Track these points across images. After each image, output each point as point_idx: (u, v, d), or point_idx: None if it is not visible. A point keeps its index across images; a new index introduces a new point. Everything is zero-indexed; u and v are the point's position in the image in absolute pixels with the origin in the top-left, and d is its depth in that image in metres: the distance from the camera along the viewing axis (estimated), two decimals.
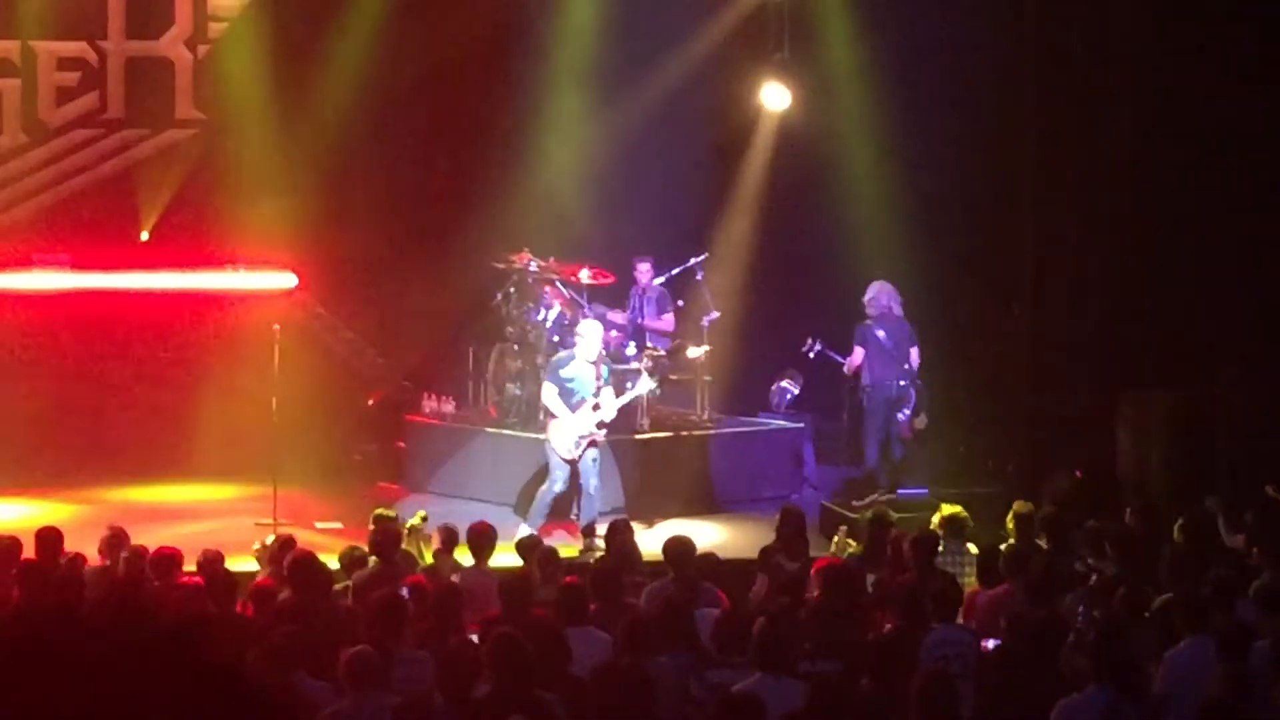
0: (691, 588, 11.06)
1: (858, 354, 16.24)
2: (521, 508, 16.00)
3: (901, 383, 16.21)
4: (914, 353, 16.35)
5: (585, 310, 17.34)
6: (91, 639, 7.92)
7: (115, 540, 11.97)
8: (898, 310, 16.30)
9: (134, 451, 17.98)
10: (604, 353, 15.90)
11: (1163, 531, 12.23)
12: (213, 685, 5.12)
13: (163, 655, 5.19)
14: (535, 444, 16.24)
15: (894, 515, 12.84)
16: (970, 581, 12.06)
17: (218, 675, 5.14)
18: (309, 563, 10.86)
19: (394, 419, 18.58)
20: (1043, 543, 12.24)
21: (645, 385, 16.16)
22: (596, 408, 15.17)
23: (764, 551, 12.41)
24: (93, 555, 12.04)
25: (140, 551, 11.66)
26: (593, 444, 15.20)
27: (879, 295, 16.29)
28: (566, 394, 15.25)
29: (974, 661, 9.82)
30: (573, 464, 15.20)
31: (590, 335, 15.44)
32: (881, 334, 16.17)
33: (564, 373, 15.30)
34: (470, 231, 18.36)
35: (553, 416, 15.31)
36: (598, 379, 15.29)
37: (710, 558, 11.94)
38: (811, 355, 16.80)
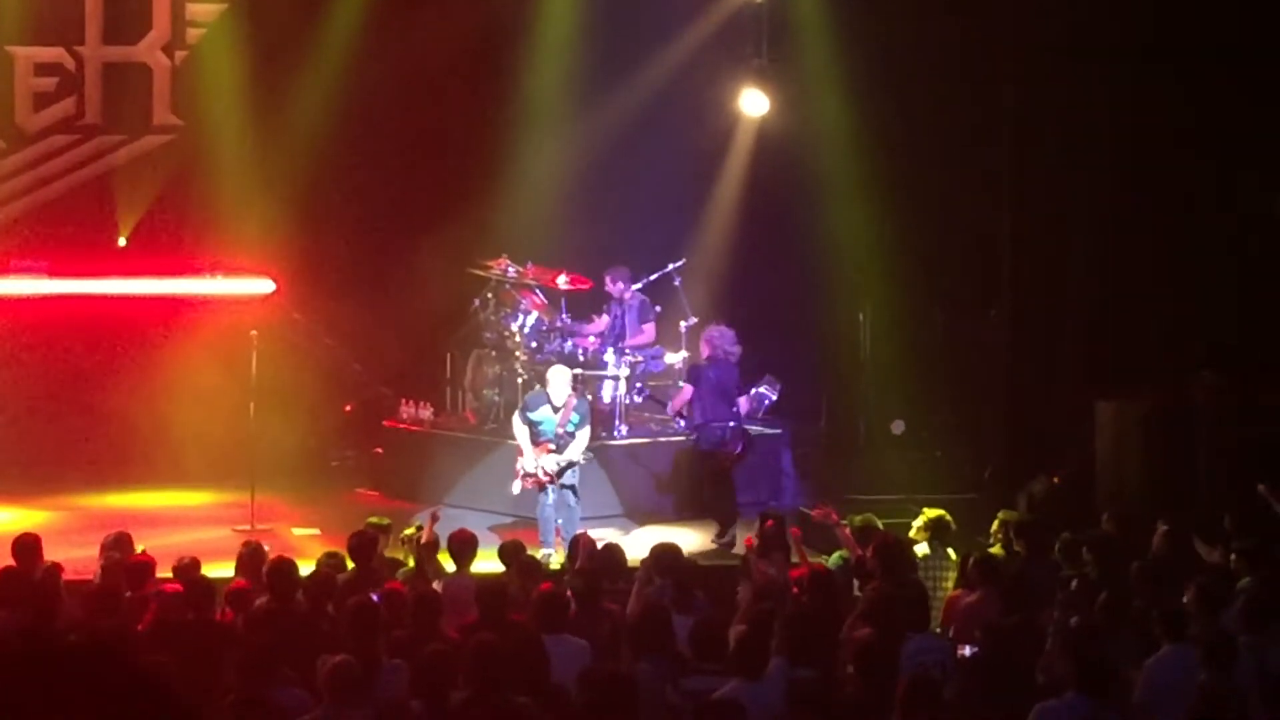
0: (684, 594, 11.06)
1: (686, 391, 16.21)
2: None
3: (731, 424, 16.08)
4: (743, 401, 16.28)
5: (562, 319, 17.34)
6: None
7: (116, 543, 11.93)
8: (734, 355, 16.16)
9: (111, 458, 17.91)
10: (579, 390, 15.73)
11: (1140, 537, 12.24)
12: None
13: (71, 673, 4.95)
14: (513, 450, 16.23)
15: (880, 522, 12.81)
16: (949, 587, 12.07)
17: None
18: (287, 569, 10.84)
19: (371, 425, 18.56)
20: (1020, 549, 12.25)
21: (579, 456, 15.24)
22: (551, 451, 15.10)
23: (745, 558, 12.40)
24: (71, 561, 12.02)
25: (119, 561, 11.63)
26: (539, 484, 15.00)
27: (715, 337, 16.08)
28: (534, 434, 15.17)
29: (950, 669, 9.82)
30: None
31: (557, 381, 15.22)
32: (713, 375, 16.06)
33: (533, 415, 15.21)
34: (448, 237, 18.31)
35: (519, 450, 15.28)
36: (563, 425, 15.11)
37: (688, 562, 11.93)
38: (640, 400, 17.10)
